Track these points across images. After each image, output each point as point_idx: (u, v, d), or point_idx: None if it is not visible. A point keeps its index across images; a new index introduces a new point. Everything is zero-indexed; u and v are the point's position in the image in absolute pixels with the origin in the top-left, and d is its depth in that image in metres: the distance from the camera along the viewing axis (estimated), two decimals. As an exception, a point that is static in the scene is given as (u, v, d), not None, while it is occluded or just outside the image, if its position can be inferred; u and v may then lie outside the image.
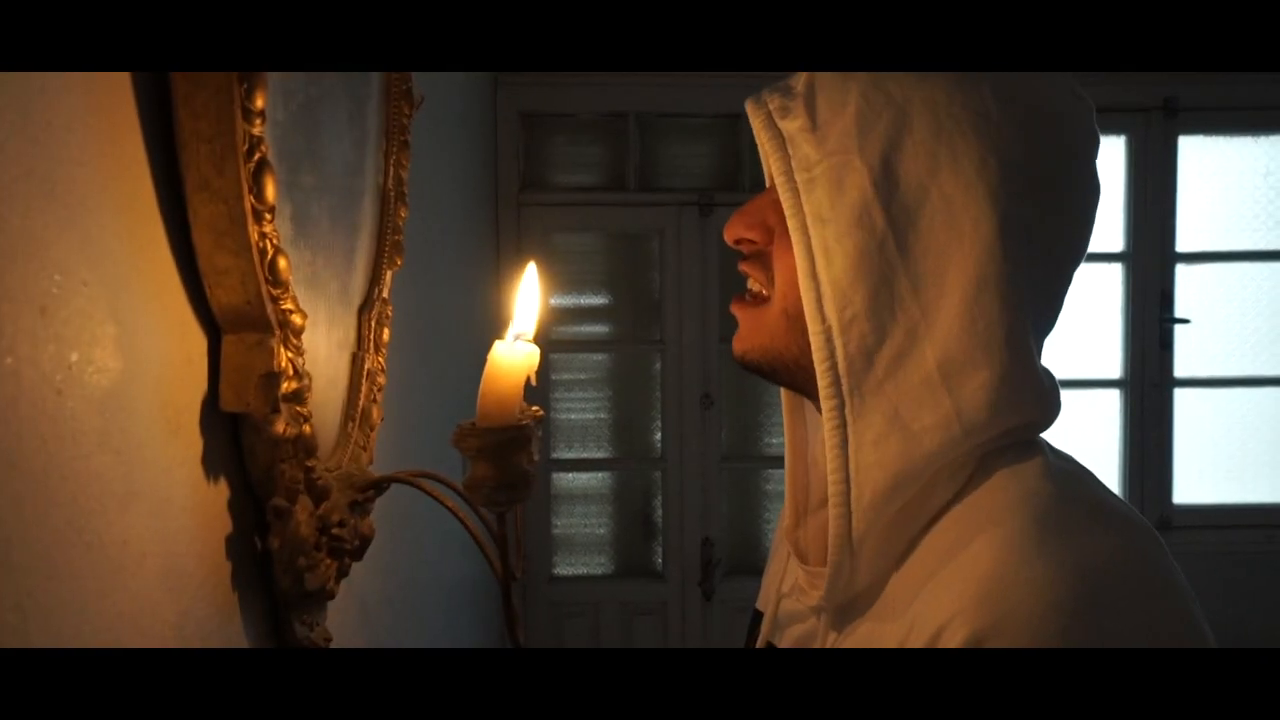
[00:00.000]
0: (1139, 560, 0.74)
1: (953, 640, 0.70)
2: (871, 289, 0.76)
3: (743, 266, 0.89)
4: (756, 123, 0.83)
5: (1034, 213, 0.77)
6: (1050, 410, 0.82)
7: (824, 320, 0.77)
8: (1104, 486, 0.82)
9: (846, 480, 0.77)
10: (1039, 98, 0.80)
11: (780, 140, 0.80)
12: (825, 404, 0.77)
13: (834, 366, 0.77)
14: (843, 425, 0.77)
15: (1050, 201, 0.79)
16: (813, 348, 0.78)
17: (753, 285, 0.88)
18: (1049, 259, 0.80)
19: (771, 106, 0.82)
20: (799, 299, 0.79)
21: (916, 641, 0.73)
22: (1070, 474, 0.80)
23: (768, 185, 0.91)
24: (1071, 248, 0.83)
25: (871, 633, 0.80)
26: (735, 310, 0.89)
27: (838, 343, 0.77)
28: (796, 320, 0.81)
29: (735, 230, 0.87)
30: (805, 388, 0.86)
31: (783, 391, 0.98)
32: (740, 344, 0.89)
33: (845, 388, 0.77)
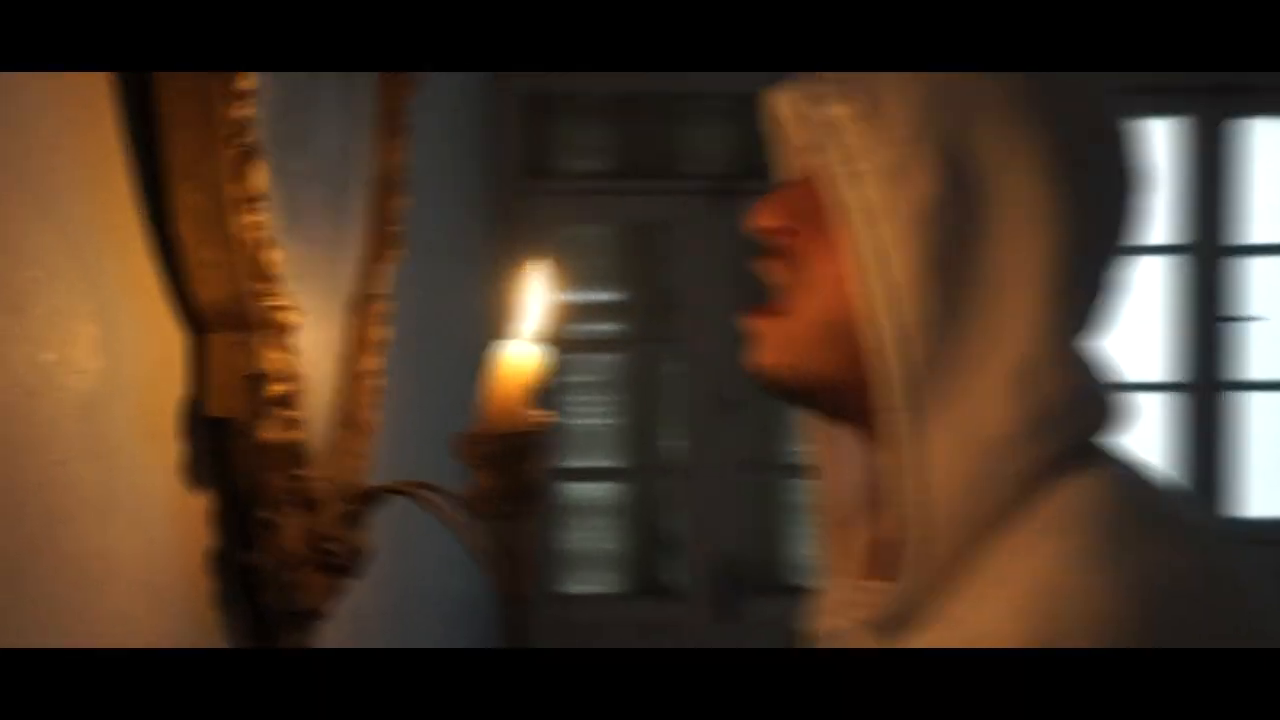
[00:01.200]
0: (1215, 580, 0.73)
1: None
2: (933, 294, 0.75)
3: (763, 267, 0.85)
4: (790, 105, 0.83)
5: (1093, 207, 0.79)
6: (1116, 412, 0.82)
7: (882, 328, 0.75)
8: (1171, 493, 0.82)
9: (916, 501, 0.76)
10: (1087, 99, 0.82)
11: (820, 128, 0.79)
12: (885, 416, 0.76)
13: (900, 376, 0.75)
14: (907, 440, 0.76)
15: (1104, 194, 0.80)
16: (873, 355, 0.76)
17: (773, 291, 0.85)
18: (1103, 252, 0.81)
19: (806, 91, 0.81)
20: (842, 307, 0.78)
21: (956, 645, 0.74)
22: (1134, 482, 0.80)
23: (781, 178, 0.91)
24: (1118, 238, 0.84)
25: (912, 642, 0.80)
26: (753, 323, 0.85)
27: (907, 350, 0.75)
28: (838, 333, 0.79)
29: (762, 217, 0.84)
30: (844, 411, 0.85)
31: (812, 425, 0.96)
32: (764, 359, 0.84)
33: (913, 398, 0.75)
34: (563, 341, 0.83)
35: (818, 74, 0.82)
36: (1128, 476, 0.80)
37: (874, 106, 0.77)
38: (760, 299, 0.86)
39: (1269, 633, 0.73)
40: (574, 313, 3.38)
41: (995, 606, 0.72)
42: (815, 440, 0.96)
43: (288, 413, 0.87)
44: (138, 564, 0.73)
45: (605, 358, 3.47)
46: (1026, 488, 0.78)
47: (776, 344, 0.84)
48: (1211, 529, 0.79)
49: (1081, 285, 0.79)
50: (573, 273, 3.36)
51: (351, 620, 1.26)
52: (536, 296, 0.87)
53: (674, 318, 3.38)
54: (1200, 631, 0.70)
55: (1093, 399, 0.80)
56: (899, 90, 0.78)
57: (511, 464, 0.86)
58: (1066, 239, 0.77)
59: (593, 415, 3.44)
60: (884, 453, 0.78)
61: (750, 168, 3.34)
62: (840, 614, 0.90)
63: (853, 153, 0.77)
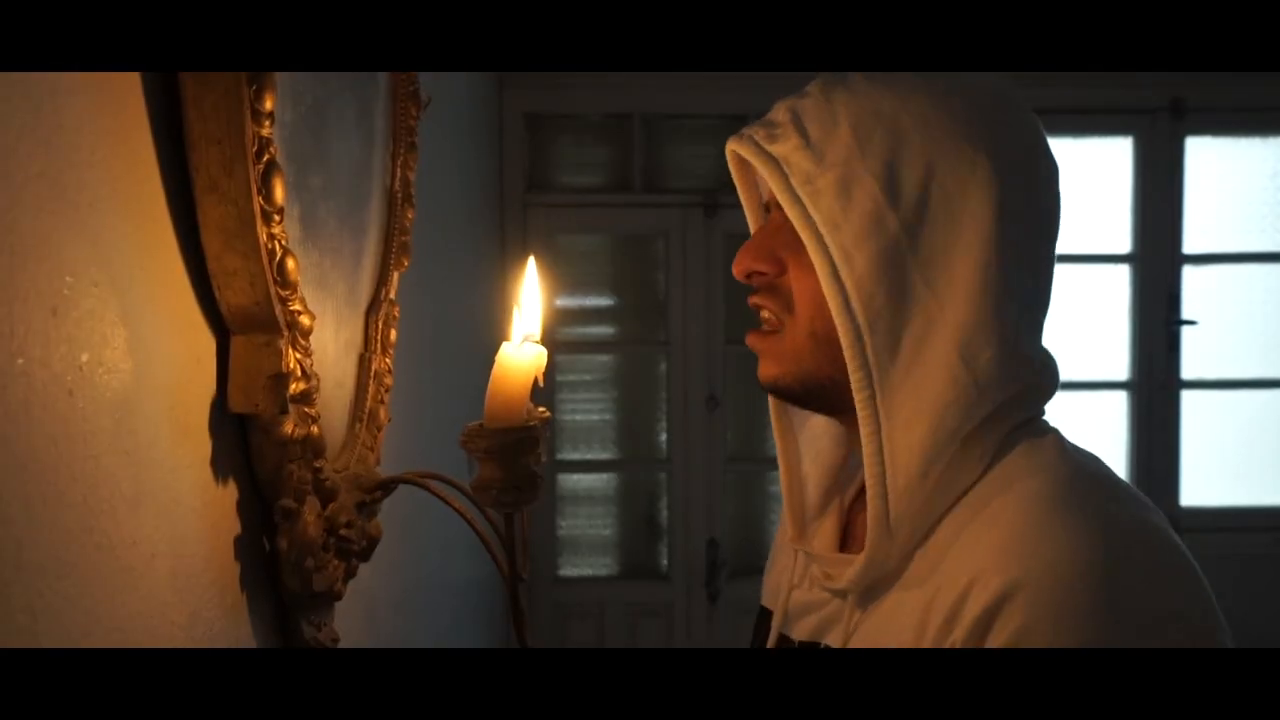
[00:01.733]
0: (1160, 532, 0.79)
1: (984, 593, 0.75)
2: (891, 285, 0.82)
3: (754, 300, 0.91)
4: (745, 150, 0.87)
5: (1019, 199, 0.84)
6: (1052, 376, 0.89)
7: (852, 319, 0.82)
8: (1110, 468, 0.87)
9: (882, 465, 0.82)
10: (998, 98, 0.88)
11: (775, 163, 0.85)
12: (858, 397, 0.82)
13: (865, 362, 0.82)
14: (875, 414, 0.82)
15: (1030, 187, 0.86)
16: (844, 345, 0.82)
17: (766, 316, 0.91)
18: (1034, 239, 0.87)
19: (757, 136, 0.87)
20: (826, 317, 0.83)
21: (944, 600, 0.78)
22: (1087, 455, 0.87)
23: (751, 222, 0.98)
24: (1052, 226, 0.90)
25: (897, 603, 0.84)
26: (753, 342, 0.92)
27: (867, 338, 0.82)
28: (824, 340, 0.85)
29: (745, 264, 0.90)
30: (833, 403, 0.89)
31: (772, 410, 1.02)
32: (770, 369, 0.91)
33: (876, 379, 0.82)
34: (561, 343, 0.85)
35: (756, 123, 0.89)
36: (1070, 446, 0.86)
37: (805, 140, 0.85)
38: (752, 318, 0.93)
39: (1203, 580, 0.79)
40: (572, 316, 3.39)
41: (975, 557, 0.78)
42: (780, 438, 1.02)
43: (306, 409, 0.87)
44: (168, 551, 0.73)
45: (600, 358, 3.49)
46: (984, 459, 0.84)
47: (776, 355, 0.90)
48: (1142, 495, 0.84)
49: (1015, 266, 0.83)
50: (570, 279, 3.37)
51: (363, 601, 1.25)
52: (533, 298, 0.87)
53: (664, 321, 3.39)
54: (1159, 569, 0.76)
55: (1028, 360, 0.86)
56: (828, 124, 0.85)
57: (512, 456, 0.86)
58: (993, 229, 0.82)
59: (589, 411, 3.45)
60: (862, 432, 0.83)
61: (734, 183, 3.34)
62: (813, 585, 0.95)
63: (807, 176, 0.84)
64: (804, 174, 0.84)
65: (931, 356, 0.82)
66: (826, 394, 0.89)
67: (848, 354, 0.82)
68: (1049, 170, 0.89)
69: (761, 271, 0.89)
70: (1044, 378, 0.88)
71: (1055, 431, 0.88)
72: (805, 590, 0.96)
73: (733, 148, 0.90)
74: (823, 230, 0.82)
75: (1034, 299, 0.87)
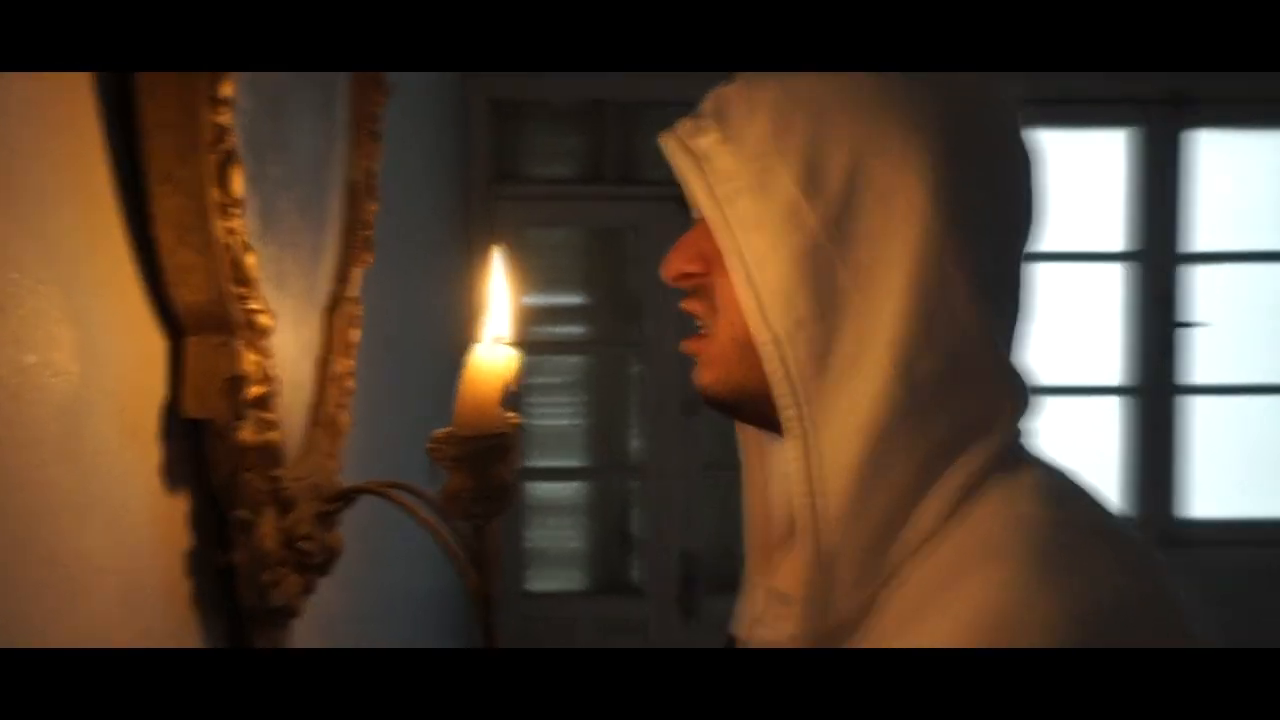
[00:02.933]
0: (1143, 589, 0.75)
1: None
2: (813, 289, 0.77)
3: (685, 305, 0.89)
4: (670, 147, 0.84)
5: (968, 190, 0.79)
6: (1019, 400, 0.82)
7: (770, 329, 0.78)
8: (1098, 502, 0.83)
9: (811, 493, 0.78)
10: (954, 78, 0.82)
11: (695, 161, 0.82)
12: (783, 415, 0.78)
13: (788, 375, 0.78)
14: (803, 435, 0.78)
15: (984, 177, 0.80)
16: (763, 359, 0.78)
17: (699, 322, 0.89)
18: (992, 236, 0.81)
19: (682, 131, 0.84)
20: (744, 325, 0.80)
21: None
22: (1065, 492, 0.81)
23: (694, 216, 0.93)
24: (1015, 222, 0.84)
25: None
26: (687, 348, 0.89)
27: (787, 350, 0.78)
28: (746, 348, 0.81)
29: (673, 265, 0.87)
30: (768, 417, 0.84)
31: (738, 430, 0.98)
32: (701, 378, 0.88)
33: (801, 395, 0.78)
34: (529, 343, 0.84)
35: (690, 115, 0.85)
36: (1053, 484, 0.81)
37: (726, 132, 0.81)
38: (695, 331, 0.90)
39: (1193, 628, 0.74)
40: (540, 315, 3.39)
41: (941, 632, 0.73)
42: (745, 457, 0.99)
43: (264, 414, 0.87)
44: (117, 564, 0.73)
45: (570, 359, 3.48)
46: (944, 497, 0.78)
47: (706, 362, 0.87)
48: (1133, 533, 0.80)
49: (960, 266, 0.78)
50: (539, 275, 3.36)
51: (322, 618, 1.25)
52: (502, 295, 0.87)
53: (638, 321, 3.39)
54: (1142, 639, 0.71)
55: (984, 379, 0.80)
56: (746, 113, 0.81)
57: (484, 465, 0.86)
58: (933, 221, 0.77)
59: (558, 416, 3.45)
60: (789, 454, 0.79)
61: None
62: (770, 625, 0.92)
63: (725, 175, 0.80)
64: (723, 172, 0.81)
65: (865, 368, 0.77)
66: (759, 405, 0.84)
67: (768, 368, 0.78)
68: (1012, 159, 0.83)
69: (688, 273, 0.87)
70: (1012, 399, 0.82)
71: (1032, 464, 0.82)
72: (769, 627, 0.92)
73: (662, 142, 0.87)
74: (737, 233, 0.79)
75: (994, 304, 0.81)
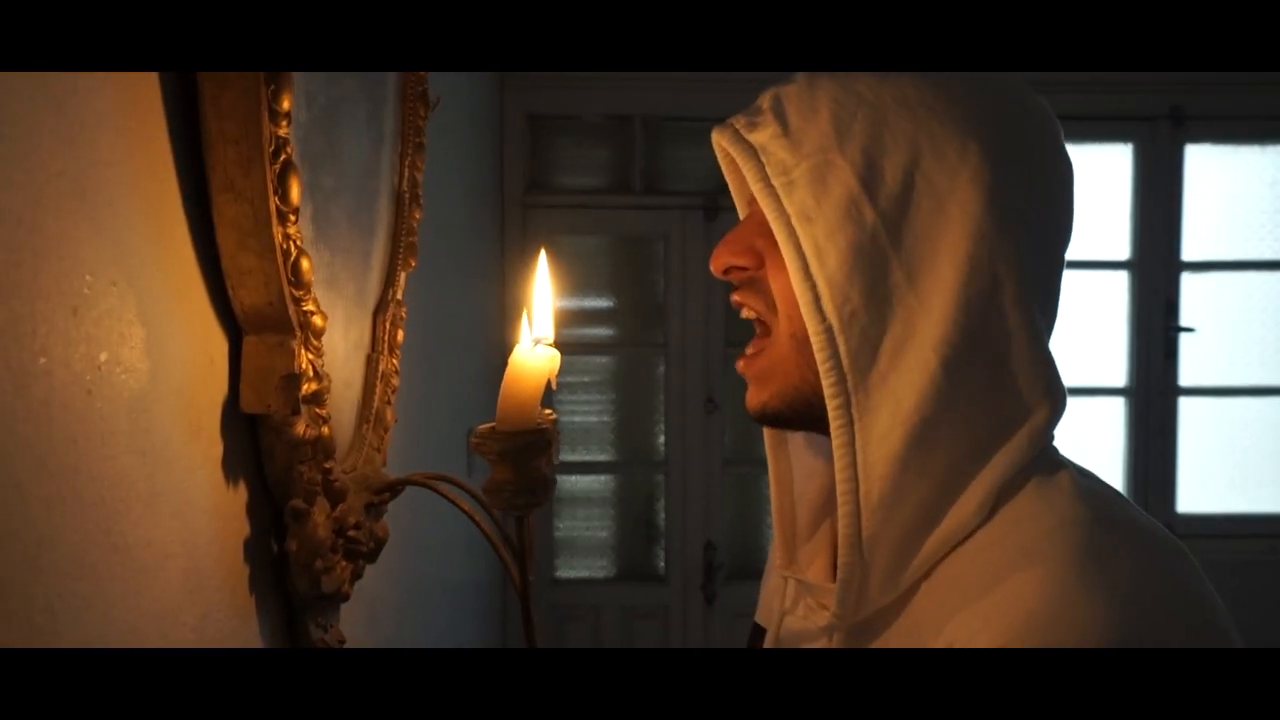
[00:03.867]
0: (1180, 585, 0.74)
1: None
2: (868, 282, 0.75)
3: (735, 297, 0.86)
4: (724, 140, 0.82)
5: (1018, 194, 0.77)
6: (1057, 401, 0.80)
7: (824, 319, 0.76)
8: (1129, 502, 0.81)
9: (855, 479, 0.76)
10: (1004, 87, 0.81)
11: (752, 151, 0.80)
12: (831, 404, 0.76)
13: (838, 365, 0.76)
14: (849, 424, 0.76)
15: (1032, 183, 0.79)
16: (814, 348, 0.76)
17: (748, 315, 0.86)
18: (1038, 240, 0.80)
19: (738, 125, 0.82)
20: (801, 316, 0.78)
21: None
22: (1098, 494, 0.79)
23: (741, 215, 0.92)
24: (1058, 228, 0.83)
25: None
26: (743, 368, 0.86)
27: (840, 340, 0.76)
28: (805, 344, 0.79)
29: (723, 259, 0.85)
30: (822, 418, 0.80)
31: (766, 430, 0.96)
32: (756, 396, 0.85)
33: (850, 384, 0.76)
34: (560, 344, 0.83)
35: (742, 112, 0.83)
36: (1088, 486, 0.79)
37: (784, 128, 0.79)
38: (742, 351, 0.87)
39: (1225, 621, 0.74)
40: (570, 318, 3.39)
41: (988, 634, 0.71)
42: (771, 452, 0.96)
43: (317, 410, 0.87)
44: (181, 552, 0.73)
45: (599, 359, 3.48)
46: (982, 496, 0.76)
47: (762, 375, 0.85)
48: (1166, 533, 0.79)
49: (1009, 268, 0.76)
50: (569, 280, 3.37)
51: (365, 603, 1.25)
52: (545, 297, 0.86)
53: (663, 323, 3.39)
54: (1182, 635, 0.70)
55: (1027, 380, 0.78)
56: (808, 109, 0.79)
57: (525, 459, 0.85)
58: (986, 224, 0.76)
59: (587, 413, 3.45)
60: (834, 442, 0.77)
61: (734, 185, 3.34)
62: (802, 616, 0.89)
63: (783, 166, 0.78)
64: (780, 164, 0.78)
65: (912, 361, 0.75)
66: (813, 408, 0.81)
67: (819, 357, 0.76)
68: (1057, 167, 0.82)
69: (740, 266, 0.84)
70: (1050, 400, 0.79)
71: (1067, 466, 0.80)
72: (799, 618, 0.90)
73: (716, 139, 0.84)
74: (795, 223, 0.77)
75: (1037, 308, 0.79)
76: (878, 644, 0.80)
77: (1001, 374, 0.77)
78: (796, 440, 0.95)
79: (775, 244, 0.79)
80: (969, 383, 0.76)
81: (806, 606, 0.89)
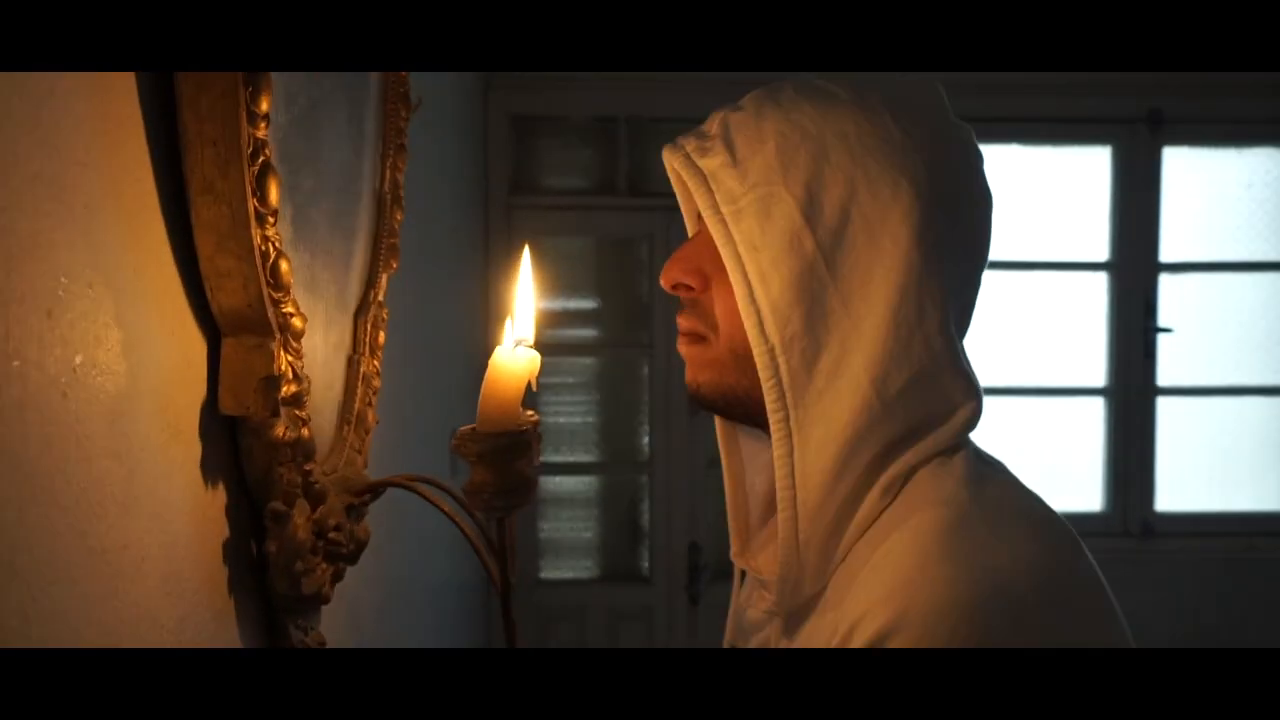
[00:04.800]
0: (1050, 566, 0.79)
1: (864, 633, 0.76)
2: (807, 308, 0.81)
3: (681, 318, 0.92)
4: (676, 162, 0.88)
5: (942, 226, 0.83)
6: (976, 403, 0.86)
7: (766, 341, 0.82)
8: (1026, 490, 0.87)
9: (793, 487, 0.83)
10: (934, 121, 0.87)
11: (702, 178, 0.85)
12: (772, 418, 0.83)
13: (779, 383, 0.82)
14: (789, 436, 0.82)
15: (955, 215, 0.85)
16: (758, 367, 0.82)
17: (687, 327, 0.92)
18: (958, 266, 0.86)
19: (689, 148, 0.87)
20: (743, 336, 0.83)
21: (839, 636, 0.79)
22: (989, 479, 0.85)
23: (689, 229, 0.98)
24: (976, 253, 0.89)
25: (813, 628, 0.85)
26: (681, 349, 0.93)
27: (781, 360, 0.82)
28: (743, 357, 0.85)
29: (672, 275, 0.91)
30: (753, 417, 0.90)
31: (718, 426, 1.03)
32: (691, 377, 0.93)
33: (790, 401, 0.82)
34: (544, 345, 0.85)
35: (692, 133, 0.89)
36: (978, 470, 0.85)
37: (733, 157, 0.84)
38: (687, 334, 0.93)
39: (1100, 610, 0.80)
40: (554, 319, 3.38)
41: (869, 592, 0.78)
42: (724, 449, 1.04)
43: (297, 412, 0.86)
44: (159, 555, 0.72)
45: (583, 360, 3.48)
46: (892, 489, 0.83)
47: (699, 365, 0.92)
48: (1050, 516, 0.84)
49: (931, 294, 0.82)
50: (554, 281, 3.37)
51: (347, 605, 1.25)
52: (527, 297, 0.87)
53: (646, 324, 3.39)
54: (1029, 622, 0.75)
55: (942, 390, 0.84)
56: (755, 140, 0.84)
57: (505, 461, 0.85)
58: (914, 255, 0.81)
59: (571, 414, 3.44)
60: (775, 452, 0.83)
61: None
62: (755, 607, 0.96)
63: (731, 195, 0.83)
64: (728, 192, 0.83)
65: (845, 381, 0.81)
66: (746, 407, 0.89)
67: (762, 375, 0.82)
68: (978, 196, 0.88)
69: (687, 286, 0.90)
70: (967, 404, 0.86)
71: (966, 449, 0.86)
72: (755, 609, 0.96)
73: (667, 158, 0.90)
74: (741, 250, 0.82)
75: (956, 325, 0.86)
76: (806, 625, 0.87)
77: (925, 386, 0.83)
78: (747, 436, 1.02)
79: (720, 267, 0.85)
80: (894, 397, 0.82)
81: (759, 598, 0.95)
